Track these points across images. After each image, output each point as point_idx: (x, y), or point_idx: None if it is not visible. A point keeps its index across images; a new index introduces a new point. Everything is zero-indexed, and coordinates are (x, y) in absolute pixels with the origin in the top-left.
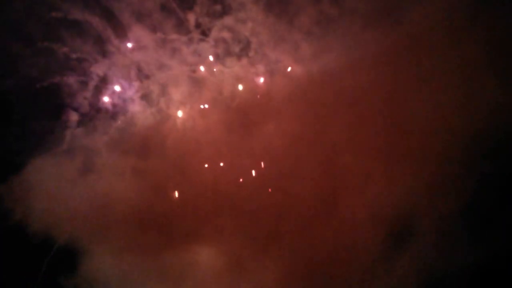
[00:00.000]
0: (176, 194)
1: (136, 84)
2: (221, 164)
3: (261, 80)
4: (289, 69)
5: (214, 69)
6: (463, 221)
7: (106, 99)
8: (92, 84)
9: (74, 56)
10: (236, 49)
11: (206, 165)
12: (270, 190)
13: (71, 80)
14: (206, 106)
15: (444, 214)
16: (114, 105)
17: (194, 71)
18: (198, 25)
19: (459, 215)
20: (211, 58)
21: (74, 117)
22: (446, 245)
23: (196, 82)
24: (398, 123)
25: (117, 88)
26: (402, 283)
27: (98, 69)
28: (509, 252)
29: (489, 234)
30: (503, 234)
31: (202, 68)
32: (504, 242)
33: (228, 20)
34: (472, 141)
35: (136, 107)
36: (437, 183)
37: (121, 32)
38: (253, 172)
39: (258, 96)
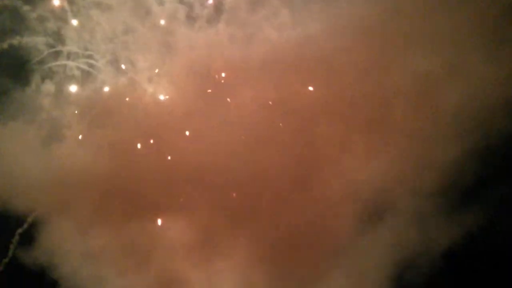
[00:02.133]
0: (145, 164)
1: (103, 48)
2: (193, 134)
3: (236, 46)
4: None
5: (187, 34)
6: (442, 200)
7: (72, 63)
8: (57, 47)
9: (34, 15)
10: (210, 12)
11: (176, 135)
12: (242, 161)
13: (34, 41)
14: (178, 73)
15: (423, 191)
16: (81, 70)
17: (165, 36)
18: None
19: (438, 194)
20: (183, 21)
21: (38, 82)
22: (423, 225)
23: (167, 47)
24: (380, 92)
25: (83, 52)
26: (377, 260)
27: (62, 31)
28: (485, 233)
29: (467, 214)
30: (482, 215)
31: (173, 33)
32: (481, 223)
33: None
34: (457, 115)
35: (102, 74)
36: (418, 158)
37: None
38: (226, 142)
39: (233, 63)
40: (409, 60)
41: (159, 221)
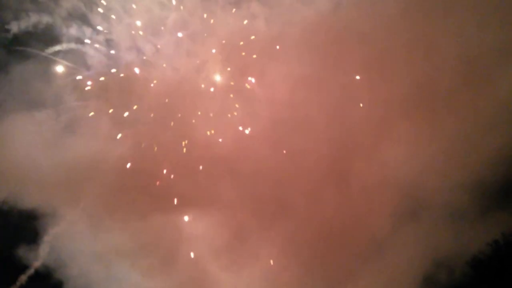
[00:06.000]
0: (168, 154)
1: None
2: (219, 118)
3: (269, 25)
4: None
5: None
6: (476, 197)
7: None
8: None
9: None
10: None
11: (202, 120)
12: (272, 147)
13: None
14: (206, 55)
15: (459, 187)
16: (102, 55)
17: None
18: None
19: (473, 190)
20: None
21: (53, 68)
22: (458, 224)
23: (194, 29)
24: (423, 74)
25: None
26: (408, 257)
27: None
28: None
29: (499, 215)
30: None
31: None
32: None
33: None
34: (507, 105)
35: (124, 59)
36: (461, 148)
37: None
38: (255, 126)
39: (265, 42)
40: (455, 41)
41: (183, 215)
